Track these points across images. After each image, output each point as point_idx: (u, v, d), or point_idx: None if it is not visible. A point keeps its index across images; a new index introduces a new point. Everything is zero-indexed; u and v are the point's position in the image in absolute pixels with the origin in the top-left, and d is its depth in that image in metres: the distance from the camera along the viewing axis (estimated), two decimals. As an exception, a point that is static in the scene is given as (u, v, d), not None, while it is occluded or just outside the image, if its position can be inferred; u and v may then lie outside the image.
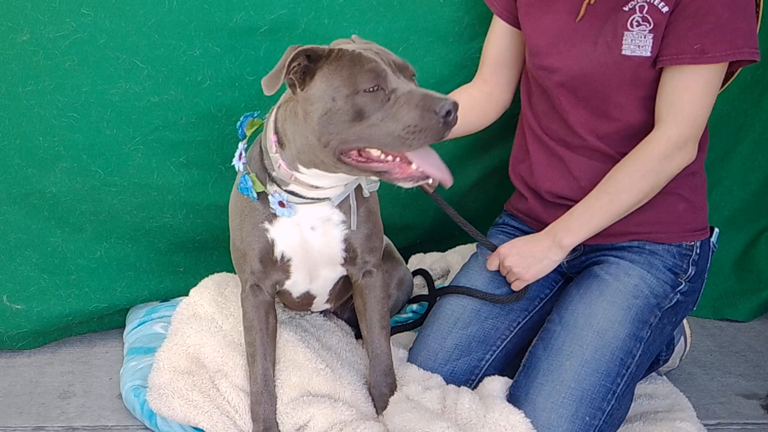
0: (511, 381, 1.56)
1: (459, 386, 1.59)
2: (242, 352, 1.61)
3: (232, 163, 1.46)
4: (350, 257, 1.50)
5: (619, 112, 1.54)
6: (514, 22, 1.67)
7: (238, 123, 1.48)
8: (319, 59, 1.27)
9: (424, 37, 1.79)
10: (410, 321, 1.88)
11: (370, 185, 1.48)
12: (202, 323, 1.72)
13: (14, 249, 1.79)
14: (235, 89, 1.72)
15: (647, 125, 1.52)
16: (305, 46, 1.25)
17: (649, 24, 1.45)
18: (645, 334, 1.52)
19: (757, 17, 1.90)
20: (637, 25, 1.45)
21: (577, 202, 1.59)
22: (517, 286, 1.64)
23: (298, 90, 1.29)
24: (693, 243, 1.61)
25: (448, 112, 1.18)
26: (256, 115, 1.49)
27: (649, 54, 1.46)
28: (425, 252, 2.26)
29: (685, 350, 1.84)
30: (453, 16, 1.79)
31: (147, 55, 1.64)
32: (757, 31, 1.60)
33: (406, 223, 2.10)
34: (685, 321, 1.85)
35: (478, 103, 1.74)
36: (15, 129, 1.66)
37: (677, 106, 1.46)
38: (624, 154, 1.53)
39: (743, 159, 2.16)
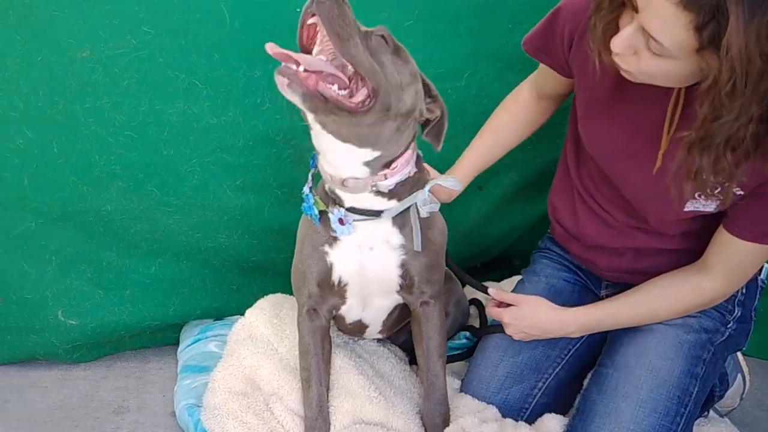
0: (566, 419, 1.55)
1: (514, 415, 1.60)
2: (297, 376, 1.61)
3: (303, 191, 1.45)
4: (407, 285, 1.48)
5: (669, 231, 1.49)
6: (569, 75, 1.54)
7: (314, 153, 1.44)
8: None
9: (492, 63, 1.74)
10: (464, 349, 1.86)
11: (427, 206, 1.43)
12: (258, 345, 1.72)
13: (69, 264, 1.78)
14: (294, 113, 1.64)
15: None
16: None
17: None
18: (700, 371, 1.49)
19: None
20: (705, 198, 1.35)
21: (617, 249, 1.55)
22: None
23: None
24: None
25: None
26: None
27: (713, 210, 1.37)
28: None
29: (744, 388, 1.80)
30: (521, 43, 1.71)
31: (206, 75, 1.60)
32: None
33: (468, 254, 2.09)
34: (741, 358, 1.81)
35: (528, 115, 1.68)
36: (71, 146, 1.64)
37: (734, 265, 1.41)
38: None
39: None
